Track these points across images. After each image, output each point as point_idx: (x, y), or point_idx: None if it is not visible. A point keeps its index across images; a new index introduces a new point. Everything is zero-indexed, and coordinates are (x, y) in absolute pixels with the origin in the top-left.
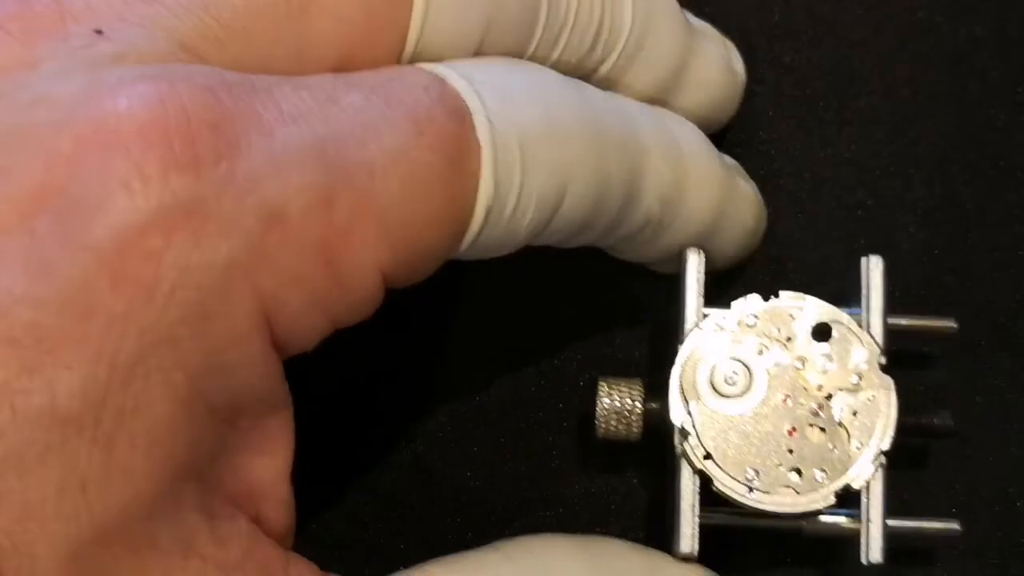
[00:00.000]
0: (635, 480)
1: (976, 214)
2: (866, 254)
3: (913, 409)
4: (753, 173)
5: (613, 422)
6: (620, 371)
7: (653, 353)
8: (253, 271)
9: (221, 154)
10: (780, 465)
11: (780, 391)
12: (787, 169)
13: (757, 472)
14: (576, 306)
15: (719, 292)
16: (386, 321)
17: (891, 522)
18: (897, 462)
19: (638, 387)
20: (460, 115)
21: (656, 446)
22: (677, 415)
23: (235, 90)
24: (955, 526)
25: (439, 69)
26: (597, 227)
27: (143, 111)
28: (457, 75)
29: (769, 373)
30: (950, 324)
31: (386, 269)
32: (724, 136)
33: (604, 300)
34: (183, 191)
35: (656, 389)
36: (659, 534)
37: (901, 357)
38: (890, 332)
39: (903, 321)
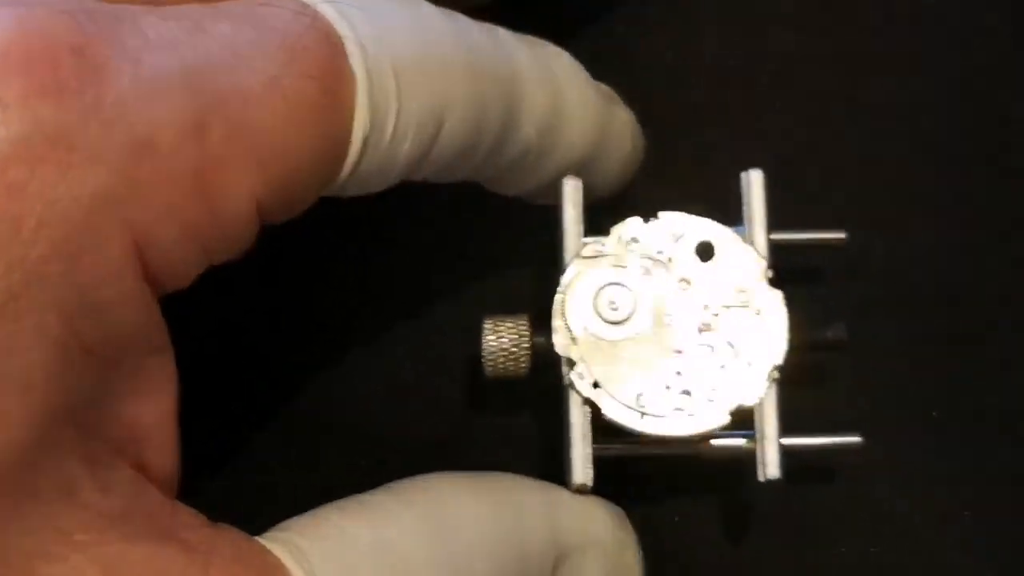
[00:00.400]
0: (532, 416)
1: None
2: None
3: (807, 324)
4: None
5: (501, 360)
6: (510, 308)
7: (540, 287)
8: (124, 203)
9: (86, 81)
10: (670, 388)
11: (665, 313)
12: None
13: (647, 397)
14: (460, 244)
15: None
16: (267, 258)
17: (788, 439)
18: (799, 380)
19: (524, 323)
20: (332, 42)
21: (550, 380)
22: (562, 346)
23: (98, 17)
24: (856, 439)
25: None
26: (476, 157)
27: (0, 35)
28: (326, 2)
29: (653, 295)
30: (839, 235)
31: (261, 200)
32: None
33: (488, 237)
34: (46, 119)
35: (544, 323)
36: (557, 470)
37: (794, 273)
38: (779, 247)
39: (788, 235)
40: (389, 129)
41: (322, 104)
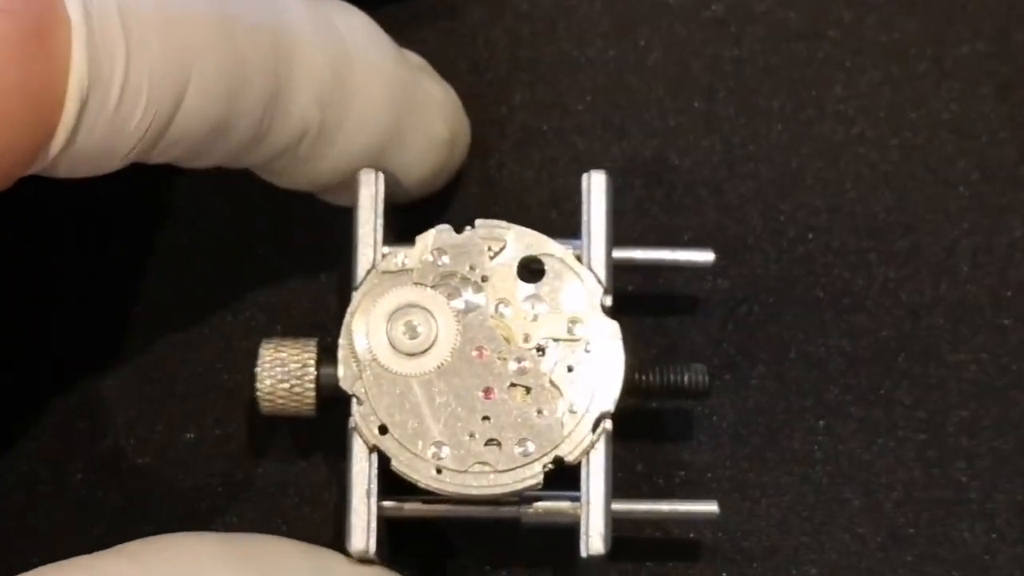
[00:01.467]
0: (323, 463)
1: None
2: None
3: (660, 363)
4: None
5: (281, 395)
6: (305, 329)
7: (343, 304)
8: None
9: None
10: (474, 437)
11: (473, 344)
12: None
13: (446, 447)
14: (252, 252)
15: None
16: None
17: (623, 505)
18: (652, 432)
19: (311, 349)
20: None
21: (343, 420)
22: (347, 379)
23: None
24: (713, 508)
25: None
26: (237, 134)
27: None
28: None
29: (460, 322)
30: (706, 256)
31: None
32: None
33: (283, 237)
34: None
35: (335, 349)
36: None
37: (654, 301)
38: (632, 268)
39: (636, 254)
40: (115, 88)
41: (22, 48)
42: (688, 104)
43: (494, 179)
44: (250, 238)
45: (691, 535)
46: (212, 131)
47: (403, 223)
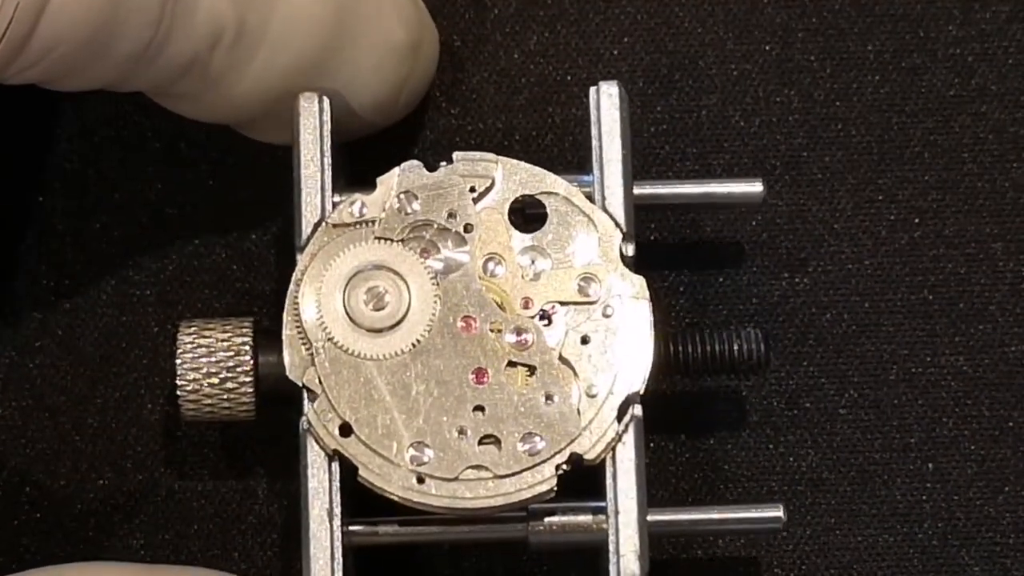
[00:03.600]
0: (266, 478)
1: None
2: None
3: (702, 329)
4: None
5: (209, 393)
6: (237, 307)
7: (281, 272)
8: None
9: None
10: (465, 434)
11: (458, 314)
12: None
13: (429, 449)
14: (161, 210)
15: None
16: None
17: (660, 515)
18: (695, 420)
19: (246, 331)
20: None
21: (291, 420)
22: (295, 367)
23: None
24: (777, 514)
25: None
26: (126, 41)
27: None
28: None
29: (439, 285)
30: (753, 187)
31: None
32: None
33: (204, 194)
34: None
35: (278, 330)
36: (297, 554)
37: (679, 249)
38: (649, 207)
39: (661, 189)
40: None
41: None
42: (756, 48)
43: (486, 125)
44: (154, 190)
45: (750, 553)
46: (93, 35)
47: (358, 164)
